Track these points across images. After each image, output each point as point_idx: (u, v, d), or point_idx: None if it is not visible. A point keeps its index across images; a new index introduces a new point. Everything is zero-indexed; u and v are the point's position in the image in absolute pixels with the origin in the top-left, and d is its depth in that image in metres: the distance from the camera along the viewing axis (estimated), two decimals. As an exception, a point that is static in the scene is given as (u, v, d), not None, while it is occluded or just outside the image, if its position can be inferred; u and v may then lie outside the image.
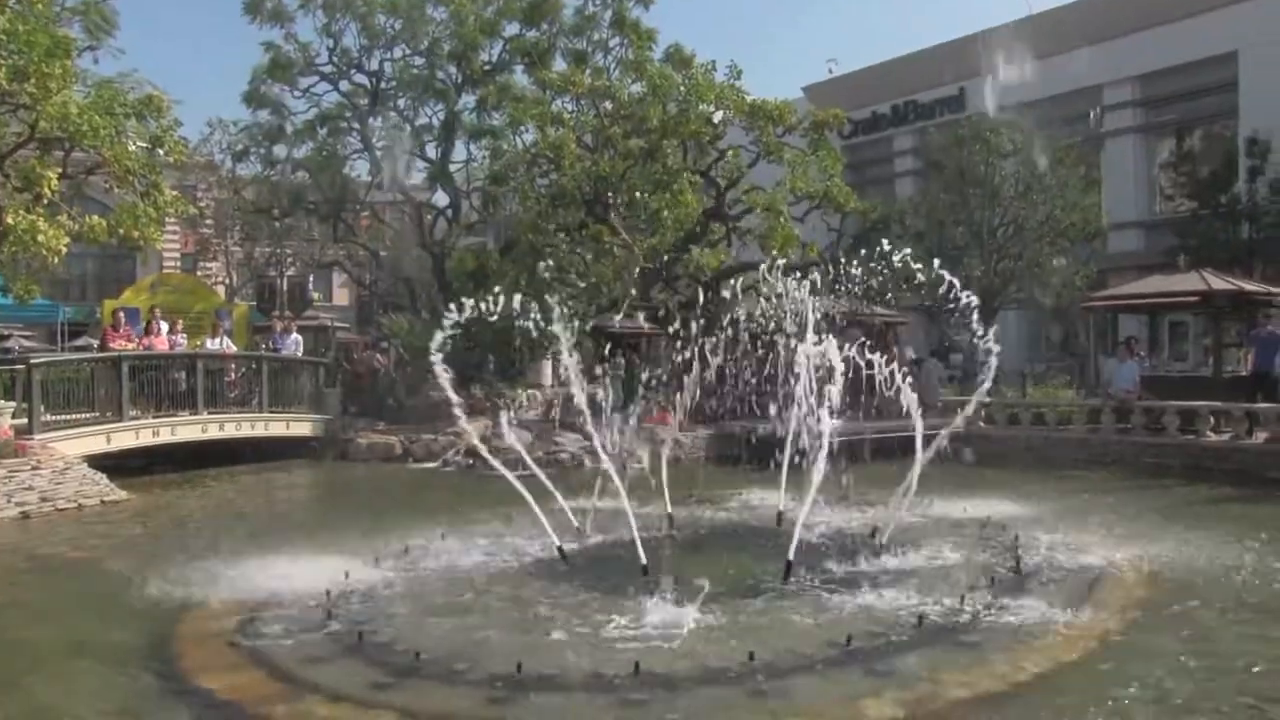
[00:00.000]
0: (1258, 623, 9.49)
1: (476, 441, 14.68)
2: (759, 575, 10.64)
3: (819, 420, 11.49)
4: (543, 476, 12.90)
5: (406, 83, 33.57)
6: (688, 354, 14.21)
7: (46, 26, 19.25)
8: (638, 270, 28.44)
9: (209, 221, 45.94)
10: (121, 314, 24.95)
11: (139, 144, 21.25)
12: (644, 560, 10.57)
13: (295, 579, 10.96)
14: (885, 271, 14.04)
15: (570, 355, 12.38)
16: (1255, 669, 8.14)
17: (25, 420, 19.30)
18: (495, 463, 12.86)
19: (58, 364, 22.01)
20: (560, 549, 11.71)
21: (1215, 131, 39.39)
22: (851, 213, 29.69)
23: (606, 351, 23.92)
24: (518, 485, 12.23)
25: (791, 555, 10.47)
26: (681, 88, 28.29)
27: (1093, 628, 8.98)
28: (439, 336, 11.39)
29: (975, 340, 12.02)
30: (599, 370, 29.08)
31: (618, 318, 27.10)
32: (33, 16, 19.07)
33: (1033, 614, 9.23)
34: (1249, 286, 25.40)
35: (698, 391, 15.28)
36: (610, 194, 28.50)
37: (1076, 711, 7.27)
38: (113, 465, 19.80)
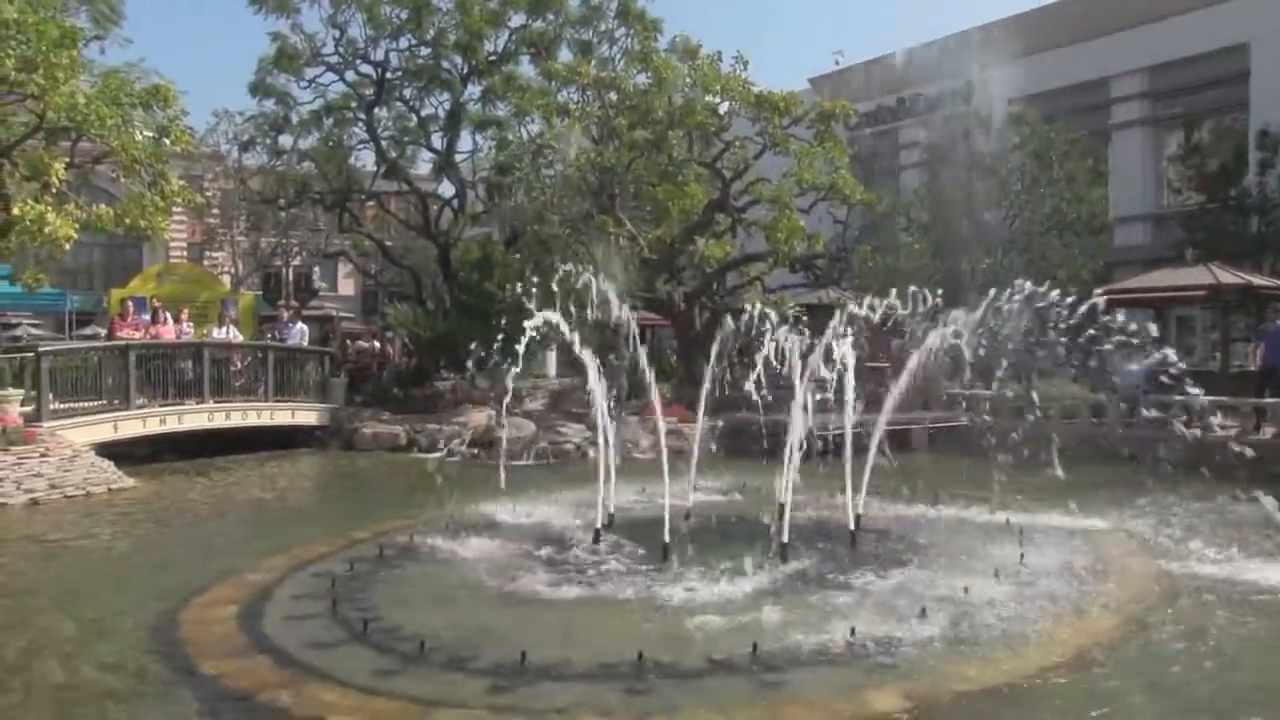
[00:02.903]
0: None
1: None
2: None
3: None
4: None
5: (412, 73, 33.48)
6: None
7: (54, 16, 19.27)
8: (641, 261, 28.39)
9: (215, 211, 45.89)
10: (130, 303, 25.00)
11: (145, 134, 21.25)
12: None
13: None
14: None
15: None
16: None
17: (34, 408, 19.39)
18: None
19: (65, 352, 22.12)
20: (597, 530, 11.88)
21: (1225, 124, 39.18)
22: (858, 205, 29.62)
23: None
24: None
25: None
26: (687, 78, 28.22)
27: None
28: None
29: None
30: (611, 359, 29.11)
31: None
32: (41, 7, 19.09)
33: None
34: (1258, 281, 25.36)
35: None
36: (615, 185, 28.45)
37: (1077, 702, 7.30)
38: (120, 453, 19.88)
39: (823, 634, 8.42)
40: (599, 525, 12.02)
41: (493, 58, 33.24)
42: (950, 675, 7.60)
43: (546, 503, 15.12)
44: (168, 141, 21.67)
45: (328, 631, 8.82)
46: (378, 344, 35.95)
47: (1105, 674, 7.80)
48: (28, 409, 19.29)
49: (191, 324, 26.14)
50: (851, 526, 11.77)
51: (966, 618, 8.92)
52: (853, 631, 8.29)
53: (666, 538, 10.98)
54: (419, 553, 11.88)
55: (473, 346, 16.18)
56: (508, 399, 18.37)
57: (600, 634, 8.58)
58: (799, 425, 11.85)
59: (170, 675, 7.98)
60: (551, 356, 37.70)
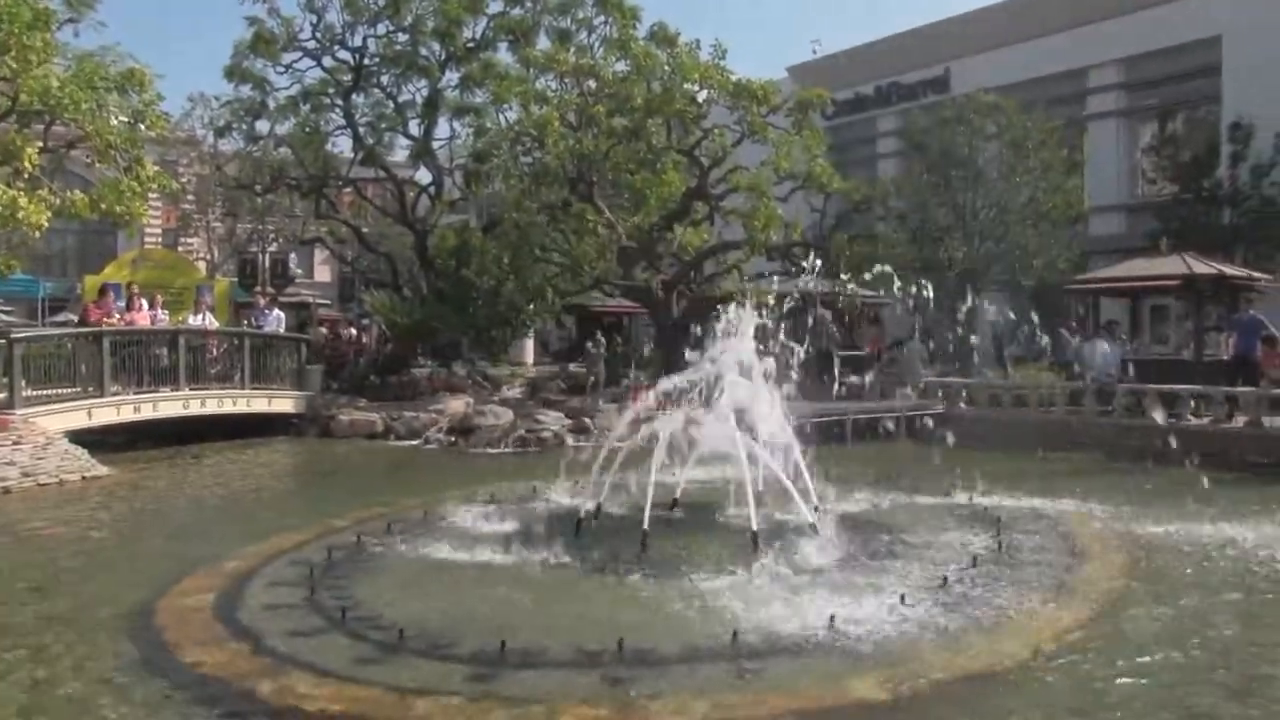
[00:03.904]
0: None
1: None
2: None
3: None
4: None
5: (390, 59, 33.41)
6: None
7: (26, -1, 19.08)
8: (619, 249, 28.42)
9: (190, 197, 45.63)
10: (111, 292, 24.81)
11: (120, 118, 21.07)
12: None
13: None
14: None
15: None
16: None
17: (6, 395, 19.25)
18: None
19: (39, 339, 21.96)
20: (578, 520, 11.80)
21: (1198, 116, 39.40)
22: (835, 193, 29.67)
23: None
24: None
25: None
26: (666, 66, 28.20)
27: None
28: None
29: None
30: (589, 346, 29.17)
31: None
32: (13, -12, 18.88)
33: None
34: (1230, 271, 25.53)
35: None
36: (594, 172, 28.43)
37: (1057, 688, 7.34)
38: (95, 441, 19.76)
39: (802, 621, 8.44)
40: (580, 515, 11.97)
41: (471, 45, 33.21)
42: (929, 662, 7.62)
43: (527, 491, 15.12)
44: (143, 126, 21.48)
45: (306, 620, 8.79)
46: (353, 331, 35.88)
47: (1082, 660, 7.84)
48: (0, 396, 19.18)
49: (166, 310, 25.96)
50: (810, 520, 11.72)
51: (945, 604, 8.97)
52: (832, 620, 8.31)
53: (645, 525, 10.96)
54: (396, 542, 11.85)
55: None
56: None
57: (581, 622, 8.58)
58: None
59: (147, 664, 7.93)
60: (529, 345, 37.70)
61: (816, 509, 11.69)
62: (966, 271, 30.79)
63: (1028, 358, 32.32)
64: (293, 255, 50.26)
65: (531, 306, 32.64)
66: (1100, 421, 22.93)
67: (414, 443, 23.84)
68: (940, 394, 25.89)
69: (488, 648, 7.80)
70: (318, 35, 32.96)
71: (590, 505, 12.11)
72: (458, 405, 25.53)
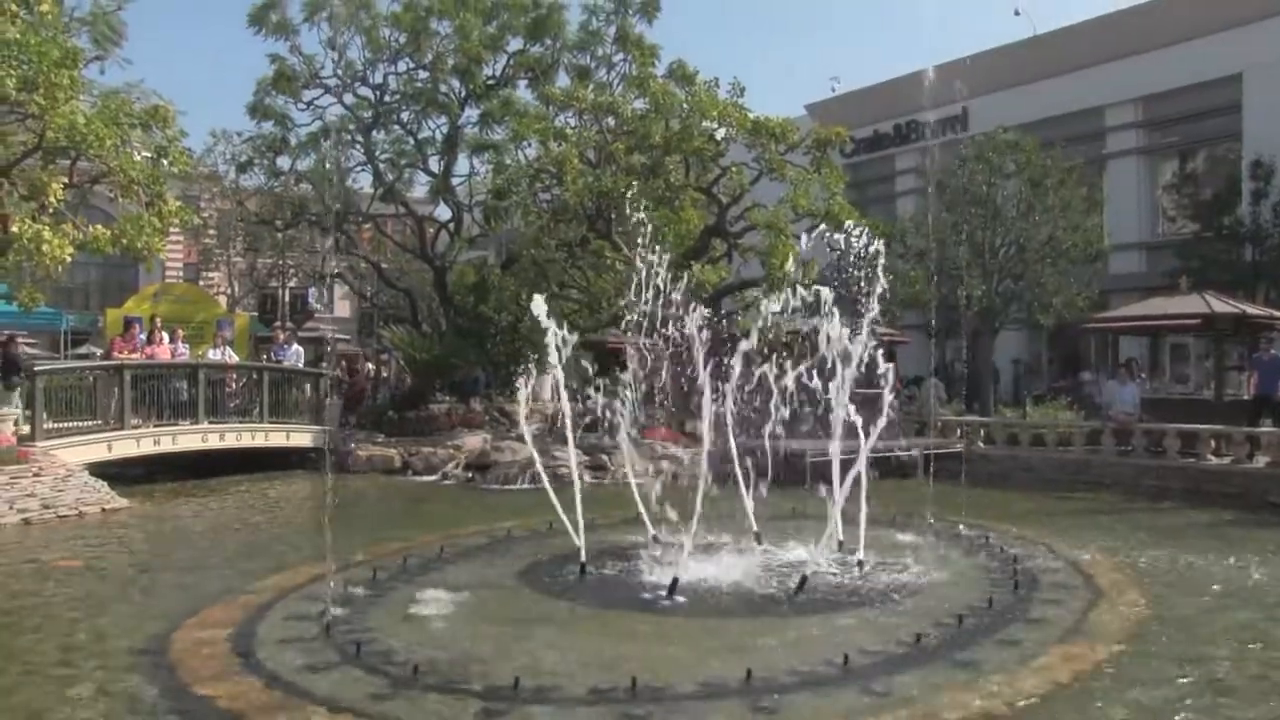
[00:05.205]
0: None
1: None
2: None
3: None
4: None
5: (410, 96, 33.64)
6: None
7: (55, 37, 19.33)
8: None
9: (212, 232, 46.00)
10: (136, 325, 24.96)
11: (144, 154, 21.30)
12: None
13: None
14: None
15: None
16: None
17: (28, 428, 19.37)
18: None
19: (60, 372, 22.11)
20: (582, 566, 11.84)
21: (1219, 154, 39.29)
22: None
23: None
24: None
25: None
26: (684, 104, 28.31)
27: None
28: None
29: None
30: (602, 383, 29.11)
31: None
32: (43, 27, 19.14)
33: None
34: (1251, 310, 25.39)
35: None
36: (612, 209, 28.51)
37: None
38: (114, 473, 19.84)
39: (818, 659, 8.41)
40: (582, 560, 12.06)
41: (490, 82, 33.40)
42: (947, 701, 7.57)
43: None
44: (165, 162, 21.70)
45: (321, 654, 8.79)
46: (370, 366, 35.97)
47: (1098, 700, 7.78)
48: (23, 429, 19.31)
49: (187, 344, 26.09)
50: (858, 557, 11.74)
51: (962, 643, 8.93)
52: (846, 659, 8.28)
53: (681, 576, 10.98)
54: (412, 577, 11.89)
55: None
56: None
57: (597, 658, 8.57)
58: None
59: (162, 698, 7.94)
60: (548, 380, 37.74)
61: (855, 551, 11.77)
62: (985, 310, 30.71)
63: (1045, 396, 32.24)
64: (312, 290, 50.56)
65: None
66: (1119, 461, 22.82)
67: (431, 478, 23.84)
68: (959, 432, 25.83)
69: (501, 683, 7.80)
70: (339, 72, 33.25)
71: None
72: (475, 441, 25.54)
